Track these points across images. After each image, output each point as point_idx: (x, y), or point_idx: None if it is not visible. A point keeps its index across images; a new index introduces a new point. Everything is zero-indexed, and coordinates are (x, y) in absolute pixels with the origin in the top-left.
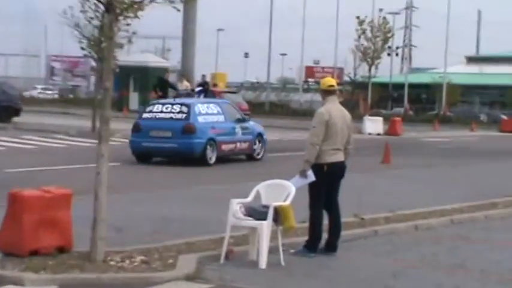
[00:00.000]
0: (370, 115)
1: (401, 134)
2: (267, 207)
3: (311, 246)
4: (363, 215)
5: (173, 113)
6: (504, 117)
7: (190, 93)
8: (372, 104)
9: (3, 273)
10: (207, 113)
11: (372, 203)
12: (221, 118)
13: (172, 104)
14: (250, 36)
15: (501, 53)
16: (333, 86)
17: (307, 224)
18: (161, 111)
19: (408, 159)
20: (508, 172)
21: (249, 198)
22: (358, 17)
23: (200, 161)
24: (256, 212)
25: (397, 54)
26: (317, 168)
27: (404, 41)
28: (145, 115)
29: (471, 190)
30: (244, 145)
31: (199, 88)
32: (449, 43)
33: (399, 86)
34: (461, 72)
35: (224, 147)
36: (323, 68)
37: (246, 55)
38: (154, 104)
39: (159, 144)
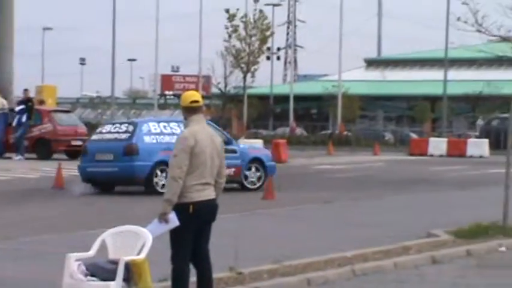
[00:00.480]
0: (246, 137)
1: (287, 160)
2: (115, 263)
3: None
4: (241, 268)
5: (118, 133)
6: (414, 136)
7: (8, 114)
8: (249, 122)
9: None
10: (161, 133)
11: (252, 252)
12: None
13: (121, 123)
14: (87, 38)
15: (408, 54)
16: (197, 101)
17: (169, 283)
18: (108, 132)
19: (297, 193)
20: (420, 206)
21: (91, 252)
22: (227, 10)
23: (148, 187)
24: (102, 270)
25: (278, 58)
26: (181, 209)
27: (287, 40)
28: (94, 137)
29: (376, 230)
30: (228, 171)
31: (21, 107)
32: (344, 43)
33: (283, 99)
34: (360, 79)
35: None
36: (184, 76)
37: (83, 62)
38: (104, 124)
39: (102, 169)
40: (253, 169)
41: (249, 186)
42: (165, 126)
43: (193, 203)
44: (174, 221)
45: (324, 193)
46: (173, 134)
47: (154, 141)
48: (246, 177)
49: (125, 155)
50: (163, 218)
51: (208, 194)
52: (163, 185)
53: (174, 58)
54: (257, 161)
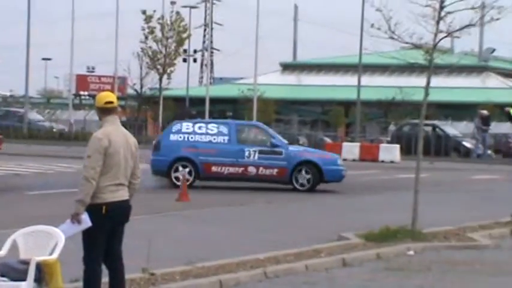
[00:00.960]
0: None
1: None
2: (26, 263)
3: None
4: (154, 269)
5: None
6: (328, 140)
7: None
8: (164, 124)
9: None
10: (192, 132)
11: (165, 253)
12: (221, 139)
13: None
14: (1, 36)
15: (323, 59)
16: (111, 102)
17: (81, 284)
18: None
19: (211, 195)
20: (331, 209)
21: (2, 252)
22: (144, 12)
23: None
24: (12, 270)
25: (195, 60)
26: (94, 209)
27: (204, 43)
28: None
29: (287, 233)
30: (269, 171)
31: None
32: (260, 46)
33: (199, 101)
34: (275, 83)
35: (216, 169)
36: (100, 77)
37: None
38: None
39: None
40: (303, 171)
41: (298, 187)
42: (200, 127)
43: (106, 204)
44: (86, 221)
45: (238, 196)
46: (207, 134)
47: (181, 139)
48: (297, 179)
49: (153, 151)
50: (75, 218)
51: (122, 194)
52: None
53: (90, 58)
54: (308, 163)
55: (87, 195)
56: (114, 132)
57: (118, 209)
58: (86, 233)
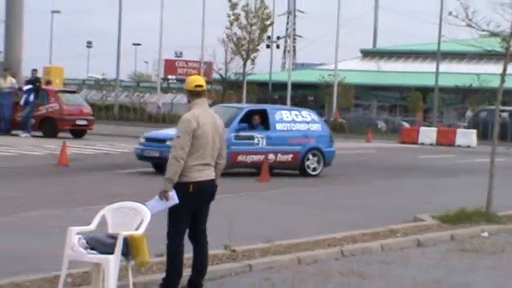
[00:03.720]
0: None
1: None
2: (114, 237)
3: (169, 285)
4: (235, 246)
5: None
6: (406, 125)
7: (15, 93)
8: None
9: None
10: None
11: (246, 231)
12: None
13: None
14: (94, 21)
15: (402, 46)
16: (201, 85)
17: (165, 258)
18: None
19: (290, 176)
20: (408, 192)
21: (92, 226)
22: (229, 0)
23: None
24: (101, 244)
25: (278, 47)
26: (181, 187)
27: (287, 30)
28: None
29: (365, 214)
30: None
31: (29, 86)
32: (340, 33)
33: (281, 86)
34: (355, 69)
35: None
36: (187, 62)
37: (89, 45)
38: None
39: None
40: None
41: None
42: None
43: (193, 183)
44: (174, 198)
45: (316, 177)
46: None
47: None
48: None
49: None
50: (163, 195)
51: (208, 174)
52: None
53: (178, 44)
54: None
55: (175, 174)
56: (203, 114)
57: (204, 188)
58: (172, 210)
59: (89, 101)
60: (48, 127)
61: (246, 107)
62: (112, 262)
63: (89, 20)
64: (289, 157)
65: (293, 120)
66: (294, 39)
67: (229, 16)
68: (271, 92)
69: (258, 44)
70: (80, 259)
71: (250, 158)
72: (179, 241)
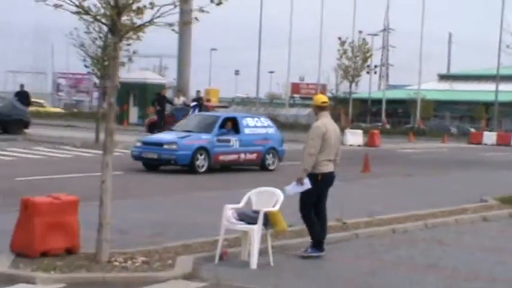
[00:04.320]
0: (351, 128)
1: (380, 145)
2: (257, 212)
3: (318, 246)
4: (345, 219)
5: None
6: (472, 130)
7: (185, 108)
8: (353, 117)
9: (16, 272)
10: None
11: (353, 208)
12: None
13: None
14: (240, 55)
15: (470, 71)
16: (325, 102)
17: (295, 228)
18: None
19: (386, 168)
20: (475, 180)
21: (241, 204)
22: (340, 38)
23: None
24: (248, 217)
25: (375, 73)
26: (312, 177)
27: (381, 60)
28: None
29: (443, 196)
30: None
31: (194, 103)
32: (422, 62)
33: (377, 102)
34: (433, 89)
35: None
36: (308, 84)
37: (237, 72)
38: None
39: None
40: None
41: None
42: None
43: (321, 174)
44: (307, 184)
45: (406, 169)
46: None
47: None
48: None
49: None
50: (300, 181)
51: (331, 167)
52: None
53: (301, 71)
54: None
55: (309, 166)
56: (328, 122)
57: (328, 177)
58: (305, 193)
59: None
60: None
61: (222, 115)
62: (256, 230)
63: (237, 54)
64: (254, 156)
65: (255, 126)
66: (387, 67)
67: (339, 51)
68: (370, 106)
69: (361, 71)
70: (232, 228)
71: (227, 157)
72: (310, 214)
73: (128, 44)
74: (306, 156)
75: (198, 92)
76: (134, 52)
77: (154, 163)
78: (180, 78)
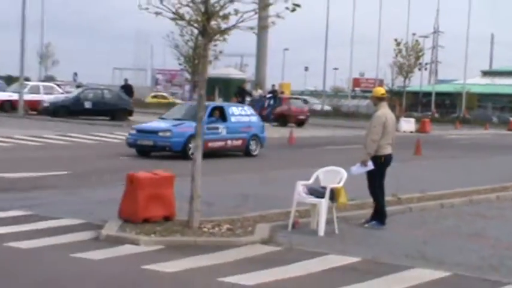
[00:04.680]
0: (405, 116)
1: (430, 131)
2: (324, 188)
3: (381, 220)
4: (400, 195)
5: None
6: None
7: (262, 99)
8: (406, 107)
9: (123, 235)
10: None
11: (407, 186)
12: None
13: None
14: (309, 54)
15: (509, 68)
16: (384, 94)
17: (356, 202)
18: None
19: (435, 152)
20: None
21: (311, 181)
22: (395, 39)
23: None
24: (316, 192)
25: (426, 69)
26: (376, 159)
27: (431, 58)
28: None
29: (486, 176)
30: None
31: (270, 95)
32: (468, 60)
33: (427, 94)
34: (477, 83)
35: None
36: (367, 79)
37: (306, 69)
38: None
39: None
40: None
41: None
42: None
43: (383, 156)
44: (371, 165)
45: (452, 152)
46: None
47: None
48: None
49: None
50: (364, 163)
51: (390, 150)
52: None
53: (361, 67)
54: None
55: (372, 150)
56: (387, 112)
57: (388, 159)
58: (370, 173)
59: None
60: (282, 120)
61: (211, 104)
62: (323, 204)
63: (306, 53)
64: (240, 142)
65: (240, 114)
66: (436, 64)
67: (395, 50)
68: (421, 98)
69: (413, 68)
70: (303, 201)
71: (216, 144)
72: (376, 189)
73: (215, 45)
74: (369, 141)
75: (273, 85)
76: (220, 52)
77: (148, 150)
78: (258, 74)
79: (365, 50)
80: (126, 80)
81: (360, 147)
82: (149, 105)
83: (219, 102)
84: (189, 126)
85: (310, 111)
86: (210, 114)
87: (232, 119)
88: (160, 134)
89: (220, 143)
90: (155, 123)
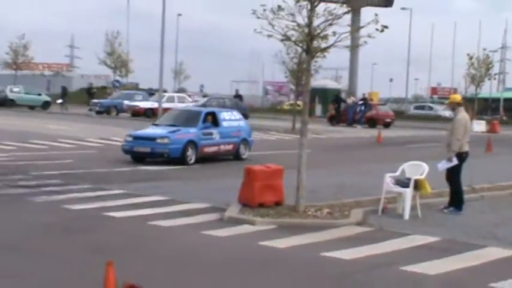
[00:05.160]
0: (476, 119)
1: (499, 132)
2: (409, 179)
3: (459, 206)
4: (474, 185)
5: None
6: None
7: (355, 105)
8: (477, 112)
9: (242, 217)
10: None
11: (480, 177)
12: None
13: None
14: (393, 68)
15: None
16: (461, 100)
17: (435, 191)
18: None
19: (505, 149)
20: None
21: (397, 173)
22: (468, 54)
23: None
24: (402, 182)
25: (495, 79)
26: (459, 155)
27: (500, 69)
28: None
29: None
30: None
31: (361, 102)
32: None
33: (496, 100)
34: None
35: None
36: (443, 88)
37: (391, 80)
38: None
39: None
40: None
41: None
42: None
43: (464, 152)
44: (455, 161)
45: None
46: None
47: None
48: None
49: None
50: (450, 159)
51: (468, 147)
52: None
53: (438, 78)
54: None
55: (457, 148)
56: (465, 115)
57: (467, 155)
58: (454, 167)
59: (391, 109)
60: (371, 122)
61: (204, 110)
62: (408, 192)
63: (391, 67)
64: (231, 147)
65: (230, 119)
66: (504, 75)
67: (467, 63)
68: (491, 103)
69: (484, 78)
70: (391, 190)
71: (210, 149)
72: (459, 183)
73: (316, 61)
74: (454, 141)
75: (364, 94)
76: (319, 66)
77: (145, 156)
78: (351, 84)
79: (441, 63)
80: (237, 91)
81: (437, 145)
82: (259, 110)
83: (318, 108)
84: (186, 133)
85: (398, 113)
86: (204, 120)
87: (224, 124)
88: (159, 140)
89: (214, 148)
90: (151, 130)
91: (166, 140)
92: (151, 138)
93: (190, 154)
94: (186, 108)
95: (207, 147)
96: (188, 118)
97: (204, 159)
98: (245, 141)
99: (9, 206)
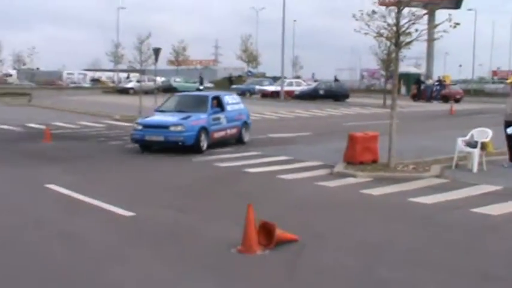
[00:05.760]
0: None
1: None
2: (477, 141)
3: None
4: None
5: None
6: None
7: (432, 86)
8: None
9: (346, 171)
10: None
11: None
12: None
13: None
14: (463, 56)
15: None
16: None
17: (497, 151)
18: None
19: None
20: None
21: (467, 137)
22: None
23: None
24: (471, 144)
25: None
26: None
27: None
28: None
29: None
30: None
31: (437, 83)
32: None
33: None
34: None
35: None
36: (502, 71)
37: (460, 66)
38: None
39: None
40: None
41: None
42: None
43: None
44: None
45: None
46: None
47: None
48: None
49: None
50: None
51: None
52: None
53: (498, 63)
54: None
55: None
56: None
57: None
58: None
59: (461, 88)
60: (445, 99)
61: (210, 94)
62: (476, 152)
63: (461, 55)
64: (235, 130)
65: (232, 103)
66: None
67: None
68: None
69: None
70: (462, 150)
71: (219, 134)
72: None
73: (401, 52)
74: None
75: (439, 76)
76: (404, 56)
77: (157, 145)
78: (428, 69)
79: (501, 51)
80: (335, 77)
81: (496, 115)
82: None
83: (403, 89)
84: (198, 119)
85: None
86: (212, 105)
87: (228, 108)
88: (172, 128)
89: (222, 133)
90: (161, 117)
91: (180, 128)
92: (164, 126)
93: (203, 140)
94: (188, 93)
95: (216, 133)
96: (195, 103)
97: (215, 144)
98: (246, 125)
99: (179, 163)
